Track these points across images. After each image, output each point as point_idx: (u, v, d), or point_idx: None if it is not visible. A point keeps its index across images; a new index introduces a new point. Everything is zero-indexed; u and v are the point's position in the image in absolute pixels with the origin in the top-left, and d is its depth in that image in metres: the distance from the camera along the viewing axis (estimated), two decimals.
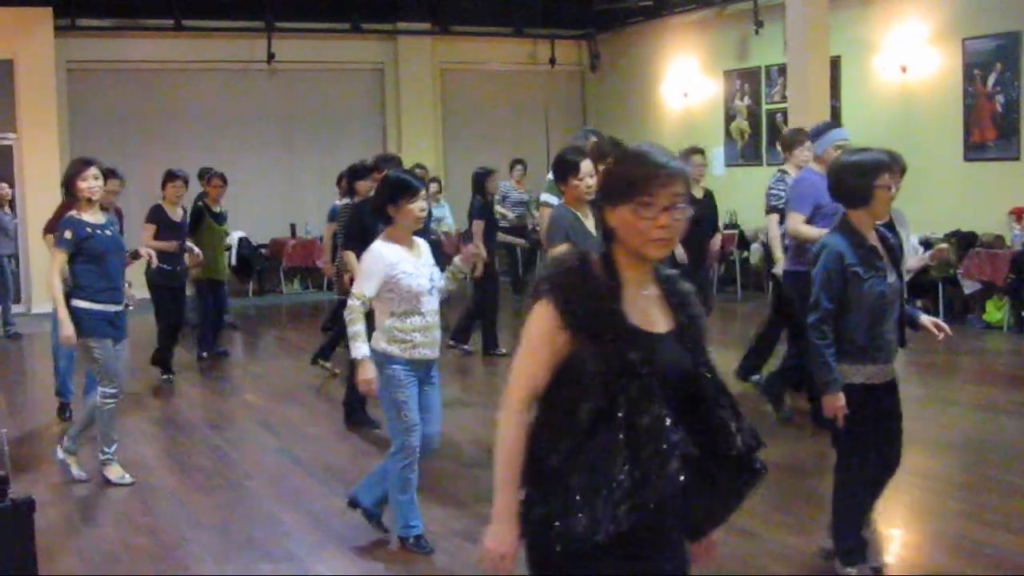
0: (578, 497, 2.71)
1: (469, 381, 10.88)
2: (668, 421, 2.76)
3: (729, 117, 17.51)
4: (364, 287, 5.55)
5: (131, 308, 7.62)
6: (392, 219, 5.63)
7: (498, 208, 14.07)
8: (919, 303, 12.52)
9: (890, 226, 6.42)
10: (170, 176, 10.77)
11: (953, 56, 13.67)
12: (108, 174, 9.36)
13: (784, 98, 15.45)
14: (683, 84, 18.32)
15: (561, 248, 5.62)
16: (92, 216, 7.10)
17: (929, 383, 10.35)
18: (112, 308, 7.08)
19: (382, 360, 5.58)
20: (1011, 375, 10.80)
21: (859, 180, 4.88)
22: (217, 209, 11.78)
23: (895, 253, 5.05)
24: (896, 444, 5.20)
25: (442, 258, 6.17)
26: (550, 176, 6.71)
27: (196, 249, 10.69)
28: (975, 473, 7.23)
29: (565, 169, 6.26)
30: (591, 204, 6.04)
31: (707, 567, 3.14)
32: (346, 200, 10.03)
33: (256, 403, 10.05)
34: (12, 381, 11.49)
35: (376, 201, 5.82)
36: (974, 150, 13.50)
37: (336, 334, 10.32)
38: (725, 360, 9.62)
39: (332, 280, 11.95)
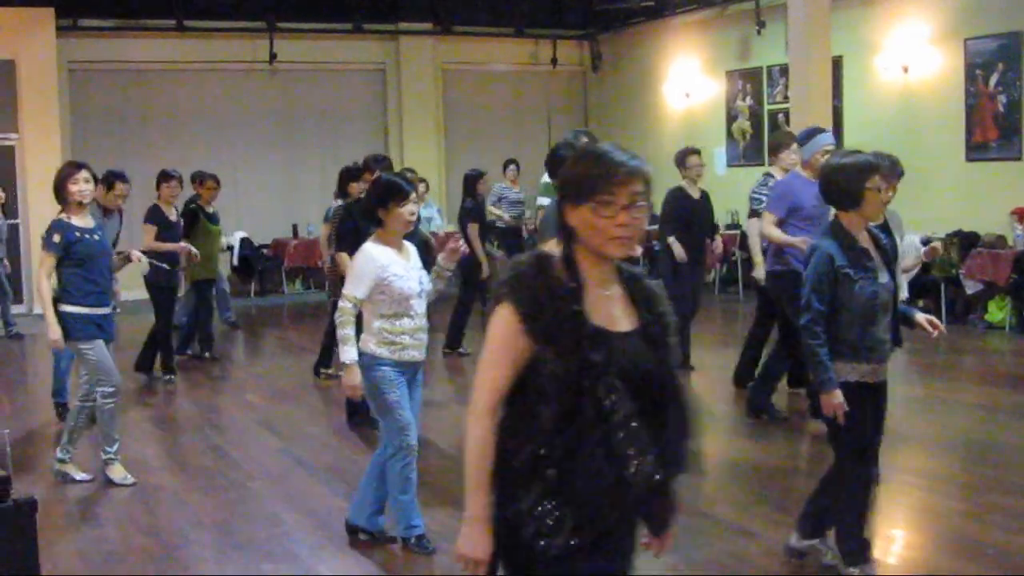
0: (543, 501, 2.75)
1: (465, 380, 10.88)
2: (633, 423, 2.77)
3: (731, 117, 17.51)
4: (355, 289, 5.56)
5: (118, 311, 7.62)
6: (382, 221, 5.65)
7: (492, 210, 14.09)
8: (920, 303, 12.53)
9: (885, 229, 6.45)
10: (165, 176, 10.80)
11: (955, 56, 13.66)
12: (116, 178, 9.43)
13: (786, 98, 15.45)
14: (685, 84, 18.32)
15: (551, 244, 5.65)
16: (81, 220, 7.09)
17: (931, 383, 10.35)
18: (99, 311, 7.07)
19: (371, 362, 5.60)
20: (1013, 375, 10.79)
21: (849, 182, 4.95)
22: (210, 210, 11.79)
23: (887, 254, 5.10)
24: (876, 444, 5.31)
25: (431, 259, 6.20)
26: (545, 178, 6.73)
27: (194, 250, 10.72)
28: (977, 473, 7.23)
29: (558, 165, 6.28)
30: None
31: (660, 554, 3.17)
32: (339, 201, 10.06)
33: (257, 403, 10.05)
34: (14, 381, 11.49)
35: (366, 203, 5.86)
36: (976, 150, 13.49)
37: (330, 341, 10.26)
38: (726, 359, 9.63)
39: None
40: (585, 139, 7.27)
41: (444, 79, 19.88)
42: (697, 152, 10.47)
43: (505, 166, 15.38)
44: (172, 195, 10.81)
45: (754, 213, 9.10)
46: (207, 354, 12.00)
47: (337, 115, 18.95)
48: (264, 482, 7.39)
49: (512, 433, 2.84)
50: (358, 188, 9.03)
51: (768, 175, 9.26)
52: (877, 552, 5.71)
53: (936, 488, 6.94)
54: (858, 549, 5.13)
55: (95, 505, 6.90)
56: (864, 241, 5.03)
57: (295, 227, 18.16)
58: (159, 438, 8.82)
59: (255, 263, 18.12)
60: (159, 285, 10.51)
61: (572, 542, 2.76)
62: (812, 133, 8.33)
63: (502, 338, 2.82)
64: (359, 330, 5.66)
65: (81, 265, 6.99)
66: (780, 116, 15.97)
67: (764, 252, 8.64)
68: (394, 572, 5.67)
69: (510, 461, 2.82)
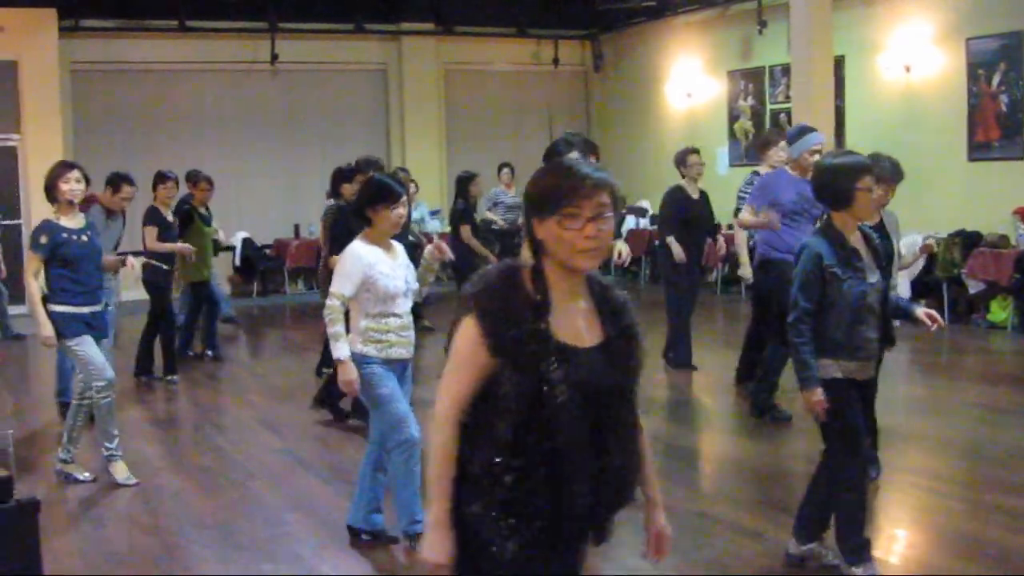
0: (499, 506, 2.81)
1: None
2: (583, 442, 2.82)
3: (733, 117, 17.51)
4: (342, 287, 5.61)
5: (111, 308, 7.61)
6: (371, 221, 5.70)
7: (487, 214, 14.11)
8: (923, 303, 12.51)
9: (881, 230, 6.46)
10: (161, 178, 10.84)
11: (957, 56, 13.65)
12: (123, 181, 9.45)
13: (788, 98, 15.44)
14: (687, 84, 18.32)
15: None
16: (70, 220, 7.10)
17: (933, 383, 10.36)
18: (87, 309, 7.08)
19: (358, 361, 5.64)
20: (1015, 375, 10.77)
21: (841, 182, 5.01)
22: (203, 211, 11.79)
23: (878, 255, 5.14)
24: (872, 445, 5.30)
25: (419, 257, 6.27)
26: None
27: (192, 248, 10.81)
28: (978, 473, 7.22)
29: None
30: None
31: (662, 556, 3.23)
32: (331, 201, 10.11)
33: (259, 403, 10.05)
34: (16, 381, 11.50)
35: (356, 202, 5.92)
36: (978, 150, 13.48)
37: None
38: (728, 358, 9.63)
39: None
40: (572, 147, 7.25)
41: (446, 79, 19.88)
42: (697, 151, 10.49)
43: (499, 169, 15.37)
44: (168, 196, 10.87)
45: (739, 212, 9.21)
46: (210, 353, 12.01)
47: (339, 115, 18.95)
48: (266, 482, 7.40)
49: (471, 440, 2.88)
50: (351, 190, 9.09)
51: (755, 173, 9.37)
52: (879, 551, 5.71)
53: (938, 487, 6.93)
54: (859, 547, 5.13)
55: (97, 505, 6.91)
56: (855, 241, 5.08)
57: (297, 227, 18.17)
58: (160, 438, 8.83)
59: (257, 263, 18.15)
60: (158, 285, 10.54)
61: (524, 547, 2.83)
62: (801, 132, 8.43)
63: (465, 350, 2.85)
64: (347, 330, 5.71)
65: (68, 266, 7.00)
66: (782, 116, 15.95)
67: (753, 250, 8.73)
68: (395, 573, 5.67)
69: (467, 466, 2.87)
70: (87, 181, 7.25)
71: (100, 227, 8.35)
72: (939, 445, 8.01)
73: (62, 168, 7.14)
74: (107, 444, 7.20)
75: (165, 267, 10.31)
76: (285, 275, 18.39)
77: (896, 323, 6.76)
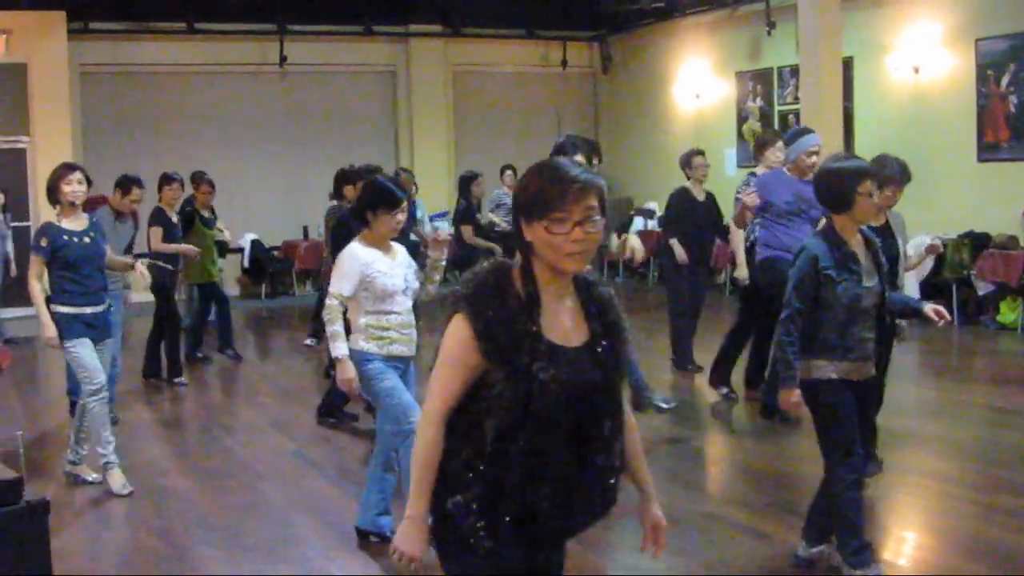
0: (480, 500, 2.83)
1: None
2: (560, 446, 2.84)
3: (741, 118, 17.50)
4: (341, 287, 5.68)
5: (112, 308, 7.61)
6: (369, 223, 5.75)
7: (490, 215, 14.12)
8: (931, 304, 12.48)
9: (888, 231, 6.47)
10: (166, 179, 10.88)
11: (966, 57, 13.63)
12: (133, 183, 9.48)
13: (796, 99, 15.43)
14: (695, 85, 18.31)
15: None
16: (72, 222, 7.11)
17: (942, 384, 10.34)
18: (88, 310, 7.09)
19: (360, 358, 5.69)
20: None
21: (841, 186, 5.04)
22: (206, 213, 11.81)
23: (878, 258, 5.15)
24: (866, 444, 5.35)
25: (420, 258, 6.29)
26: None
27: (196, 250, 10.86)
28: (988, 474, 7.20)
29: None
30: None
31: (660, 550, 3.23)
32: (333, 202, 10.13)
33: (268, 404, 10.07)
34: (26, 383, 11.52)
35: (357, 204, 5.99)
36: (988, 151, 13.46)
37: None
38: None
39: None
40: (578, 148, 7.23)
41: (454, 81, 19.89)
42: (702, 153, 10.51)
43: (502, 171, 15.35)
44: (174, 198, 10.93)
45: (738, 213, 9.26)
46: (230, 353, 12.13)
47: (347, 117, 18.97)
48: (274, 483, 7.40)
49: (456, 435, 2.90)
50: (353, 192, 9.13)
51: (752, 175, 9.42)
52: (888, 553, 5.71)
53: (946, 489, 6.92)
54: (860, 550, 5.13)
55: (106, 506, 6.92)
56: (855, 245, 5.11)
57: (305, 229, 18.18)
58: (169, 439, 8.84)
59: (266, 265, 18.18)
60: (162, 286, 10.56)
61: (502, 543, 2.85)
62: (799, 133, 8.50)
63: (456, 350, 2.87)
64: (347, 330, 5.76)
65: (69, 267, 7.02)
66: (791, 117, 15.94)
67: (752, 249, 8.78)
68: (407, 574, 5.66)
69: (451, 460, 2.89)
70: (89, 183, 7.26)
71: (108, 229, 8.36)
72: (948, 446, 7.99)
73: (64, 170, 7.15)
74: (100, 451, 7.12)
75: (169, 267, 10.35)
76: (294, 276, 18.41)
77: (904, 323, 6.79)
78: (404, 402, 5.69)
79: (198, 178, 11.87)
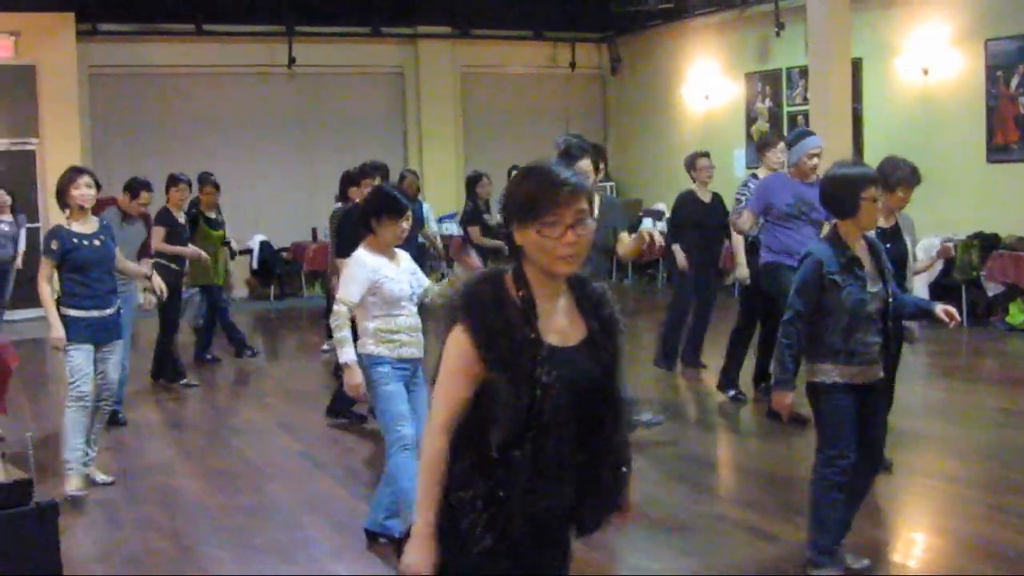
0: (480, 500, 2.82)
1: None
2: (569, 446, 2.85)
3: (750, 119, 17.48)
4: (349, 294, 5.70)
5: (122, 311, 7.62)
6: (374, 230, 5.77)
7: (498, 216, 14.08)
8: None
9: (896, 233, 6.46)
10: (173, 180, 10.89)
11: (975, 57, 13.60)
12: (142, 187, 9.51)
13: (805, 100, 15.42)
14: (704, 86, 18.30)
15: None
16: (82, 225, 7.11)
17: (951, 385, 10.33)
18: (96, 314, 7.10)
19: (370, 362, 5.71)
20: None
21: (846, 192, 5.09)
22: (212, 215, 11.82)
23: (883, 263, 5.18)
24: (877, 447, 5.34)
25: (427, 260, 6.31)
26: None
27: (204, 254, 10.90)
28: (997, 475, 7.18)
29: (564, 162, 6.42)
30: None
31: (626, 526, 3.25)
32: (339, 204, 10.16)
33: (276, 405, 10.08)
34: (35, 384, 11.54)
35: (362, 210, 6.00)
36: (997, 152, 13.43)
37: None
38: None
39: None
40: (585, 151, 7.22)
41: (462, 82, 19.90)
42: (706, 155, 10.51)
43: (509, 173, 15.33)
44: (181, 199, 10.92)
45: (735, 214, 9.29)
46: (248, 352, 12.22)
47: (356, 118, 18.98)
48: (283, 485, 7.41)
49: (462, 441, 2.89)
50: (357, 193, 9.16)
51: (753, 176, 9.45)
52: (896, 554, 5.71)
53: (955, 490, 6.90)
54: (825, 551, 5.19)
55: (115, 507, 6.92)
56: (860, 250, 5.15)
57: (314, 230, 18.17)
58: (178, 440, 8.85)
59: (274, 266, 18.20)
60: (168, 286, 10.56)
61: (500, 543, 2.83)
62: (800, 136, 8.51)
63: (458, 361, 2.86)
64: (354, 337, 5.78)
65: (78, 270, 7.03)
66: (800, 118, 15.92)
67: (754, 249, 8.80)
68: None
69: (458, 462, 2.88)
70: (98, 186, 7.28)
71: (115, 230, 8.38)
72: (957, 447, 7.97)
73: (73, 173, 7.17)
74: (66, 456, 7.09)
75: (173, 267, 10.37)
76: (302, 278, 18.43)
77: (914, 324, 6.78)
78: (396, 411, 5.70)
79: (203, 179, 11.90)
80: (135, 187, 9.51)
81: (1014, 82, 13.13)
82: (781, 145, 8.87)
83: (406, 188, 11.12)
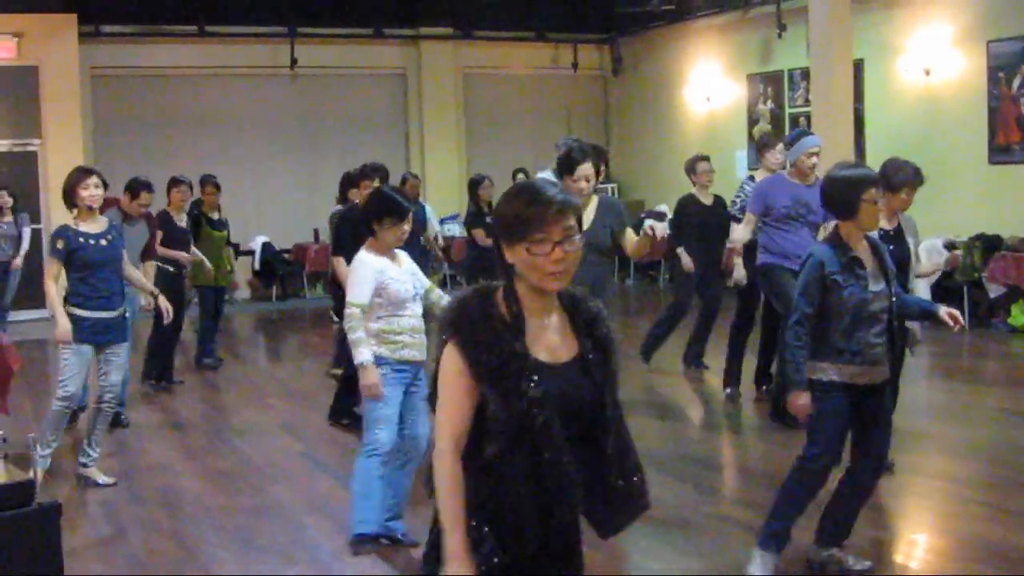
0: (473, 512, 2.83)
1: None
2: (566, 457, 2.85)
3: (752, 121, 17.48)
4: (359, 296, 5.71)
5: (128, 314, 7.63)
6: (375, 233, 5.79)
7: None
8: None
9: (899, 234, 6.46)
10: (174, 182, 10.88)
11: (977, 58, 13.60)
12: (142, 188, 9.49)
13: (807, 101, 15.41)
14: (706, 88, 18.30)
15: None
16: (89, 225, 7.12)
17: (953, 386, 10.32)
18: (100, 315, 7.11)
19: None
20: None
21: (846, 193, 5.12)
22: (215, 216, 11.80)
23: (884, 263, 5.20)
24: (881, 448, 5.35)
25: (429, 262, 6.31)
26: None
27: (208, 262, 10.94)
28: (999, 476, 7.18)
29: (565, 166, 6.56)
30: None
31: None
32: (339, 207, 10.16)
33: (278, 406, 10.08)
34: (38, 385, 11.54)
35: (364, 212, 6.03)
36: (999, 153, 13.43)
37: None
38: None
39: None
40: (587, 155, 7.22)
41: (465, 83, 19.91)
42: (706, 159, 10.52)
43: (514, 175, 15.33)
44: (182, 200, 10.91)
45: (731, 217, 9.29)
46: (207, 361, 12.02)
47: (358, 120, 19.00)
48: (285, 485, 7.42)
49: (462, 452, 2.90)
50: (357, 195, 9.18)
51: (751, 178, 9.47)
52: (898, 555, 5.71)
53: (957, 491, 6.90)
54: (777, 534, 5.26)
55: (117, 508, 6.93)
56: (861, 251, 5.17)
57: (316, 232, 18.19)
58: (179, 441, 8.85)
59: (276, 267, 18.21)
60: (168, 288, 10.55)
61: (493, 558, 2.83)
62: (798, 136, 8.51)
63: (453, 379, 2.88)
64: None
65: (85, 270, 7.04)
66: (802, 119, 15.92)
67: (752, 249, 8.82)
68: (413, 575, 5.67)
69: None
70: (105, 186, 7.29)
71: None
72: (958, 448, 7.97)
73: (80, 174, 7.17)
74: (40, 450, 7.00)
75: (171, 269, 10.37)
76: (304, 279, 18.44)
77: (917, 326, 6.78)
78: (381, 415, 5.75)
79: (204, 180, 11.90)
80: (135, 188, 9.50)
81: (1016, 83, 13.13)
82: (780, 146, 8.89)
83: (407, 191, 11.12)
